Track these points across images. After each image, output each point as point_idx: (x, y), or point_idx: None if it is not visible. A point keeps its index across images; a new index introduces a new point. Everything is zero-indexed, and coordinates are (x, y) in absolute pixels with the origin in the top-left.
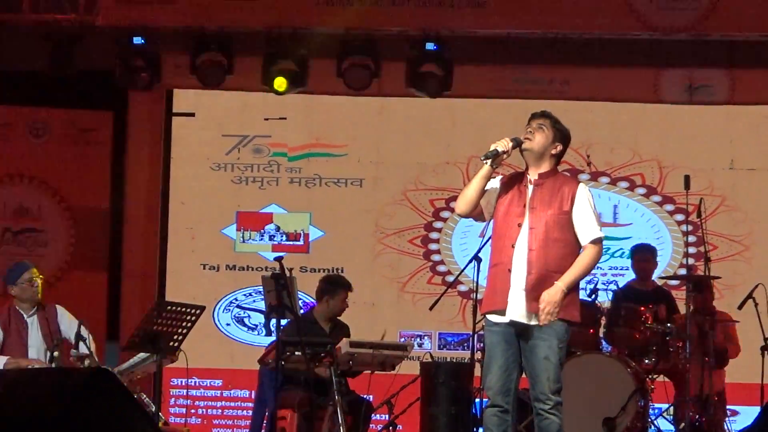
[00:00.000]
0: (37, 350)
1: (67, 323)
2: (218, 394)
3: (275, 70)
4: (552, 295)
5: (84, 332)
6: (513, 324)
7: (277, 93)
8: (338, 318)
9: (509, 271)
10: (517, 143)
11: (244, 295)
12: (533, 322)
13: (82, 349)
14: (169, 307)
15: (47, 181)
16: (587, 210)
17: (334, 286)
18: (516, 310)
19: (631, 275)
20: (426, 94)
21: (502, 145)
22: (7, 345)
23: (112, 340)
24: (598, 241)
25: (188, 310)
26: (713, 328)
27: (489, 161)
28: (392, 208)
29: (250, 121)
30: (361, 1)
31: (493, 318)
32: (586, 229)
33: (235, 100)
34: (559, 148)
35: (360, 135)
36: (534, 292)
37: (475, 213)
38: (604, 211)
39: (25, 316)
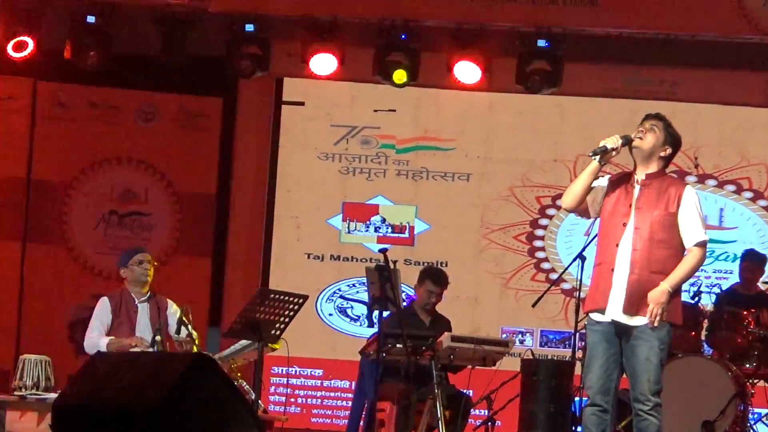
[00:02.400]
0: (144, 336)
1: (174, 317)
2: (318, 384)
3: (392, 62)
4: (657, 297)
5: (186, 318)
6: (614, 323)
7: (396, 86)
8: (439, 312)
9: (612, 270)
10: (627, 141)
11: (348, 285)
12: (634, 323)
13: (184, 334)
14: (272, 295)
15: (155, 166)
16: (693, 212)
17: (421, 275)
18: (617, 309)
19: (734, 279)
20: (535, 90)
21: (612, 141)
22: (116, 327)
23: (214, 326)
24: (702, 244)
25: (291, 298)
26: None
27: (597, 157)
28: (498, 204)
29: (360, 112)
30: None
31: (595, 317)
32: (692, 231)
33: (344, 90)
34: (669, 150)
35: (468, 130)
36: (636, 292)
37: (581, 208)
38: (710, 213)
39: (136, 300)
